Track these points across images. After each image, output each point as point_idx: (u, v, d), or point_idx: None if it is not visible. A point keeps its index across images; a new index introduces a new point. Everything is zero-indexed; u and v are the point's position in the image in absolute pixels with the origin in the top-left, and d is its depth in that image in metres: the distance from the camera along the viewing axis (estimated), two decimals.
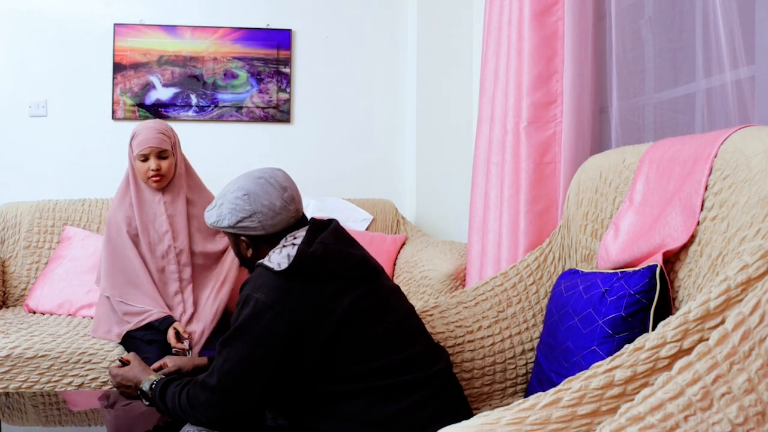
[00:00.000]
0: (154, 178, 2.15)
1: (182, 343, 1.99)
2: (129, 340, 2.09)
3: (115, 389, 1.60)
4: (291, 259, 1.30)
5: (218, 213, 1.41)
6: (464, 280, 2.34)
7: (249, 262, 1.45)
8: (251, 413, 1.34)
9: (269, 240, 1.40)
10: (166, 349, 1.99)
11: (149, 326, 2.08)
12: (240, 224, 1.39)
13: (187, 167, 2.30)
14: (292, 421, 1.38)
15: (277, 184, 1.40)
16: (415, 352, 1.37)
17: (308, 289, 1.30)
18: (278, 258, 1.31)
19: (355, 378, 1.31)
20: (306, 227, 1.40)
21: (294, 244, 1.34)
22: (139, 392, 1.47)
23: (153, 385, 1.44)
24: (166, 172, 2.16)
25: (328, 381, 1.31)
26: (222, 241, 2.26)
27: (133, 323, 2.09)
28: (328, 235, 1.37)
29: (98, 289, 2.44)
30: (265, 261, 1.33)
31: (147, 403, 1.46)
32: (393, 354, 1.33)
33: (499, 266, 2.09)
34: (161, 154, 2.15)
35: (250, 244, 1.42)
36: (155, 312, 2.08)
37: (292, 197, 1.42)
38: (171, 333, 2.02)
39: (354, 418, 1.30)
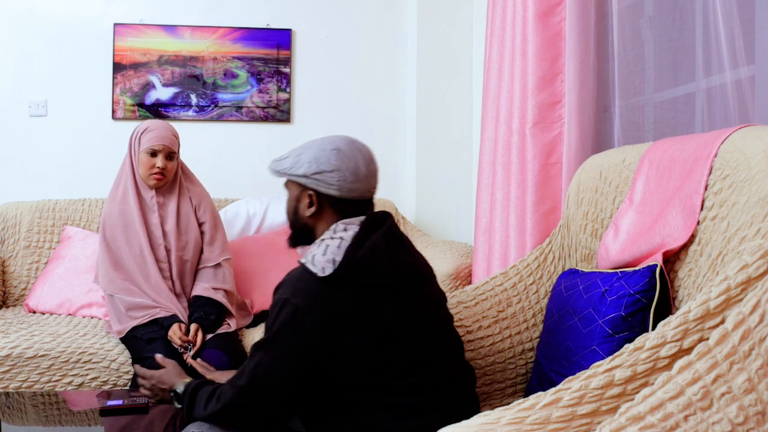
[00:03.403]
0: (157, 176, 2.18)
1: (185, 343, 2.00)
2: (129, 339, 2.10)
3: (139, 390, 1.60)
4: (336, 264, 1.23)
5: (295, 160, 1.33)
6: (464, 280, 2.35)
7: (301, 225, 1.38)
8: (280, 417, 1.29)
9: (336, 205, 1.33)
10: (168, 347, 1.99)
11: (151, 323, 2.09)
12: (317, 175, 1.31)
13: (185, 170, 2.34)
14: (310, 425, 1.35)
15: (367, 154, 1.36)
16: (446, 370, 1.34)
17: (351, 299, 1.24)
18: (322, 261, 1.24)
19: (384, 390, 1.27)
20: (360, 219, 1.32)
21: (342, 238, 1.27)
22: (173, 394, 1.45)
23: (187, 387, 1.40)
24: (168, 173, 2.21)
25: (358, 390, 1.27)
26: (216, 247, 2.27)
27: (140, 318, 2.10)
28: (379, 238, 1.29)
29: (98, 289, 2.45)
30: (308, 262, 1.26)
31: (179, 405, 1.43)
32: (426, 368, 1.30)
33: (507, 266, 2.09)
34: (170, 155, 2.20)
35: (315, 202, 1.33)
36: (162, 308, 2.11)
37: (375, 172, 1.36)
38: (175, 329, 2.03)
39: (375, 429, 1.27)
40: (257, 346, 1.28)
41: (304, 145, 1.37)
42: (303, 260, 1.28)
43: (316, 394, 1.28)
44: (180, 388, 1.43)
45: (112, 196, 2.26)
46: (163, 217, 2.22)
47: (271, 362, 1.25)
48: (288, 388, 1.25)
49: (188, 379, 1.47)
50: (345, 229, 1.30)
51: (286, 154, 1.37)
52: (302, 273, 1.27)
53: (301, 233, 1.40)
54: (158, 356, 1.63)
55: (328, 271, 1.23)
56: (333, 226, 1.31)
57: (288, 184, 1.40)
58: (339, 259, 1.24)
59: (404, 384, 1.27)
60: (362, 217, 1.32)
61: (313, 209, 1.34)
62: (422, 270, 1.39)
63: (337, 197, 1.32)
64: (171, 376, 1.51)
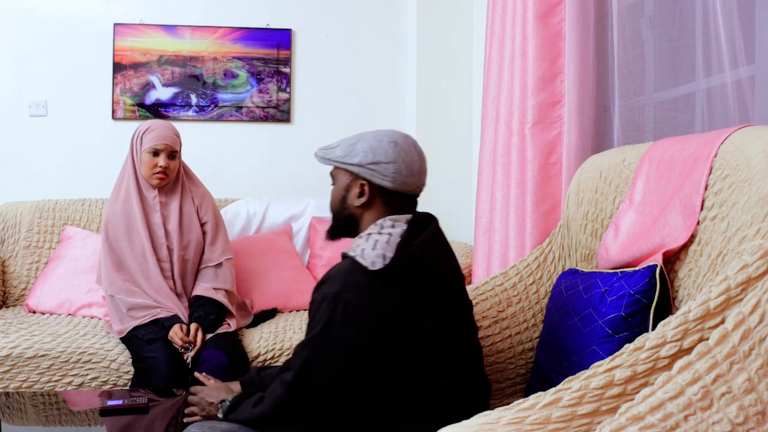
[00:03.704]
0: (159, 175, 2.19)
1: (186, 344, 2.00)
2: (129, 339, 2.10)
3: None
4: (386, 259, 1.23)
5: (348, 149, 1.33)
6: (467, 279, 2.35)
7: (347, 214, 1.36)
8: (328, 415, 1.27)
9: (387, 197, 1.32)
10: (169, 348, 2.00)
11: (152, 323, 2.09)
12: (373, 165, 1.30)
13: (187, 170, 2.35)
14: (339, 426, 1.32)
15: (420, 151, 1.36)
16: (472, 377, 1.35)
17: (399, 295, 1.24)
18: (372, 255, 1.24)
19: (418, 390, 1.27)
20: (406, 218, 1.32)
21: (390, 234, 1.27)
22: (220, 404, 1.41)
23: (236, 397, 1.38)
24: (171, 172, 2.22)
25: (395, 389, 1.27)
26: (217, 247, 2.27)
27: (141, 318, 2.10)
28: (427, 238, 1.30)
29: (98, 289, 2.45)
30: (357, 255, 1.25)
31: (221, 416, 1.39)
32: (458, 373, 1.31)
33: (507, 266, 2.09)
34: (172, 154, 2.21)
35: (367, 192, 1.32)
36: (164, 309, 2.11)
37: (425, 171, 1.36)
38: (176, 329, 2.03)
39: (398, 428, 1.27)
40: (305, 342, 1.25)
41: (356, 135, 1.36)
42: (351, 253, 1.27)
43: (357, 394, 1.27)
44: (229, 399, 1.40)
45: (114, 197, 2.26)
46: (165, 216, 2.23)
47: (322, 357, 1.23)
48: (336, 385, 1.24)
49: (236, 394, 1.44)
50: (393, 226, 1.30)
51: (336, 142, 1.37)
52: (352, 267, 1.25)
53: (346, 223, 1.38)
54: (199, 374, 1.61)
55: (379, 265, 1.22)
56: (380, 221, 1.31)
57: (336, 172, 1.38)
58: (390, 254, 1.23)
59: (438, 386, 1.27)
60: (409, 216, 1.33)
61: (363, 199, 1.33)
62: (461, 275, 1.40)
63: (390, 189, 1.32)
64: (219, 391, 1.49)
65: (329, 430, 1.28)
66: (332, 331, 1.22)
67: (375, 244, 1.26)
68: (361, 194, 1.33)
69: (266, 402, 1.29)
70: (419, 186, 1.36)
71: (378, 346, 1.23)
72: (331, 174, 1.40)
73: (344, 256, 1.31)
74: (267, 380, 1.55)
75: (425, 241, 1.29)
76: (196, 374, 1.70)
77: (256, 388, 1.52)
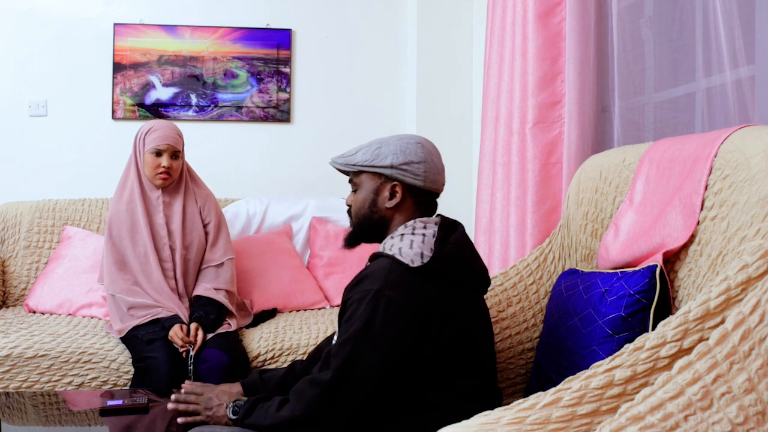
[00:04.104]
0: (162, 175, 2.20)
1: (186, 345, 2.00)
2: (129, 339, 2.10)
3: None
4: (425, 257, 1.24)
5: (374, 153, 1.34)
6: None
7: (377, 218, 1.37)
8: (365, 415, 1.25)
9: (418, 196, 1.35)
10: (169, 348, 2.00)
11: (152, 322, 2.09)
12: (404, 166, 1.33)
13: (190, 171, 2.35)
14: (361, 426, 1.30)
15: (438, 152, 1.40)
16: (491, 382, 1.36)
17: (439, 292, 1.25)
18: (411, 254, 1.25)
19: (446, 390, 1.27)
20: (435, 220, 1.35)
21: (424, 236, 1.29)
22: (231, 404, 1.37)
23: (248, 400, 1.34)
24: (174, 172, 2.22)
25: (429, 388, 1.26)
26: (219, 248, 2.27)
27: (141, 317, 2.10)
28: (459, 238, 1.33)
29: (98, 289, 2.45)
30: (396, 254, 1.26)
31: (234, 417, 1.35)
32: (482, 375, 1.31)
33: (507, 266, 2.10)
34: (174, 154, 2.22)
35: (399, 193, 1.34)
36: (164, 308, 2.12)
37: (444, 169, 1.41)
38: (176, 329, 2.03)
39: (425, 425, 1.24)
40: (344, 340, 1.23)
41: (374, 141, 1.38)
42: (389, 252, 1.27)
43: (391, 392, 1.26)
44: (241, 402, 1.36)
45: (118, 196, 2.26)
46: (168, 216, 2.23)
47: (364, 354, 1.21)
48: (376, 384, 1.22)
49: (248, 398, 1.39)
50: (425, 227, 1.32)
51: (354, 149, 1.38)
52: (392, 265, 1.25)
53: (375, 227, 1.38)
54: (189, 383, 1.53)
55: (418, 262, 1.24)
56: (410, 224, 1.33)
57: (361, 178, 1.38)
58: (428, 252, 1.25)
59: (464, 386, 1.28)
60: (437, 218, 1.36)
61: (395, 200, 1.35)
62: (488, 277, 1.41)
63: (421, 188, 1.35)
64: (222, 393, 1.44)
65: (360, 428, 1.26)
66: (374, 327, 1.21)
67: (411, 243, 1.28)
68: (392, 196, 1.35)
69: (295, 404, 1.24)
70: (443, 184, 1.41)
71: (417, 343, 1.23)
72: (352, 181, 1.41)
73: (377, 255, 1.31)
74: (270, 383, 1.54)
75: (458, 240, 1.32)
76: (185, 384, 1.58)
77: (259, 391, 1.50)
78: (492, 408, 1.25)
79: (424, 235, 1.29)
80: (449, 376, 1.28)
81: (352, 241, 1.43)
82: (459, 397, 1.28)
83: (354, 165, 1.37)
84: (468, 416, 1.16)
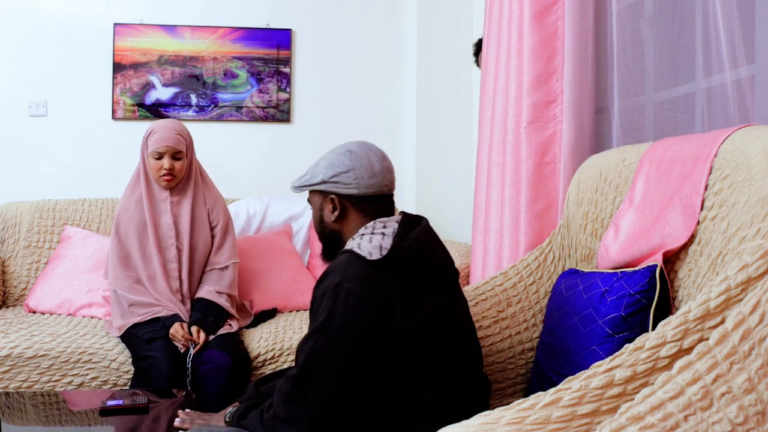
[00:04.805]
0: (166, 177, 2.19)
1: (187, 342, 2.00)
2: (129, 338, 2.10)
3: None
4: (383, 250, 1.26)
5: (312, 172, 1.40)
6: (464, 280, 2.35)
7: (328, 232, 1.41)
8: (336, 409, 1.25)
9: (358, 204, 1.37)
10: (169, 347, 2.00)
11: (153, 321, 2.09)
12: (334, 178, 1.36)
13: (201, 171, 2.34)
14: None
15: (378, 151, 1.41)
16: (473, 376, 1.36)
17: (399, 285, 1.26)
18: (369, 247, 1.27)
19: (420, 387, 1.27)
20: (396, 218, 1.37)
21: (384, 234, 1.30)
22: (228, 417, 1.41)
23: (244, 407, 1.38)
24: (177, 173, 2.21)
25: (397, 386, 1.27)
26: (224, 250, 2.27)
27: (141, 315, 2.10)
28: (421, 232, 1.34)
29: (98, 289, 2.45)
30: (354, 248, 1.28)
31: (229, 420, 1.40)
32: (459, 371, 1.31)
33: (501, 266, 2.09)
34: (176, 155, 2.20)
35: (338, 205, 1.38)
36: (164, 308, 2.11)
37: (389, 168, 1.41)
38: (177, 327, 2.03)
39: (396, 425, 1.26)
40: (308, 335, 1.26)
41: (320, 158, 1.43)
42: (348, 247, 1.30)
43: (362, 390, 1.26)
44: (230, 411, 1.41)
45: (128, 193, 2.26)
46: (176, 216, 2.23)
47: (326, 347, 1.23)
48: (342, 378, 1.23)
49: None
50: (384, 226, 1.33)
51: (305, 171, 1.43)
52: (350, 258, 1.27)
53: (331, 242, 1.42)
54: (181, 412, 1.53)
55: (376, 255, 1.25)
56: (371, 224, 1.34)
57: (311, 196, 1.44)
58: (387, 246, 1.27)
59: (439, 383, 1.28)
60: (398, 216, 1.37)
61: (337, 213, 1.38)
62: (455, 270, 1.42)
63: (357, 195, 1.37)
64: (216, 418, 1.47)
65: (337, 428, 1.27)
66: (335, 320, 1.23)
67: (371, 239, 1.29)
68: (333, 209, 1.39)
69: (276, 404, 1.28)
70: (387, 184, 1.40)
71: (379, 336, 1.24)
72: (308, 200, 1.46)
73: (340, 252, 1.33)
74: (266, 396, 1.54)
75: (420, 235, 1.33)
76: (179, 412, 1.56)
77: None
78: (471, 405, 1.27)
79: (383, 234, 1.31)
80: (419, 370, 1.27)
81: (325, 256, 1.47)
82: (436, 394, 1.28)
83: (299, 187, 1.42)
84: (442, 415, 1.18)
